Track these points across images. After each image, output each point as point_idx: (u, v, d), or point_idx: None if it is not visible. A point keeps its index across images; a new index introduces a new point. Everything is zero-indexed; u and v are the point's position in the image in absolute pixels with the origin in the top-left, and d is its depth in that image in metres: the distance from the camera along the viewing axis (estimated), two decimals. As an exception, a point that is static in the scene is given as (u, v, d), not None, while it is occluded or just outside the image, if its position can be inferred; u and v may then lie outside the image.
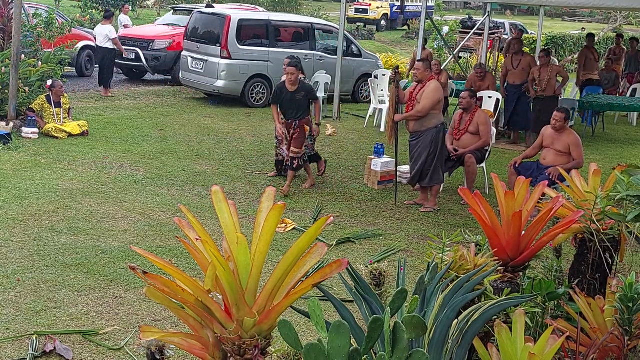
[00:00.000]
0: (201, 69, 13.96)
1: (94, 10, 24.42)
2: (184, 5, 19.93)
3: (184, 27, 16.04)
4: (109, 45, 13.82)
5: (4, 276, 5.60)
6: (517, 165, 8.01)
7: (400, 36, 32.44)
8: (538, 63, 12.02)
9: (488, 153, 8.86)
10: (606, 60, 16.72)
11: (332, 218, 2.76)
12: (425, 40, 15.14)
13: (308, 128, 8.65)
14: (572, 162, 7.61)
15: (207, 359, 2.69)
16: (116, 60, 15.46)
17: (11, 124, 10.25)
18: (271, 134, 11.73)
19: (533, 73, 11.82)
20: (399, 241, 7.03)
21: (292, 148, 8.48)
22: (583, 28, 30.52)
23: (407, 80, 13.50)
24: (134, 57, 15.76)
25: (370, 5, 34.55)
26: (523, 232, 3.94)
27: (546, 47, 15.26)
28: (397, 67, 8.43)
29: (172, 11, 18.95)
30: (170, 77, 16.19)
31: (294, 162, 8.47)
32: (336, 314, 3.11)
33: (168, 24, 17.17)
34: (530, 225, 3.96)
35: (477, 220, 3.96)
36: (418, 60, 8.42)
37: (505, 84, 12.60)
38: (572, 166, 7.43)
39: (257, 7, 20.59)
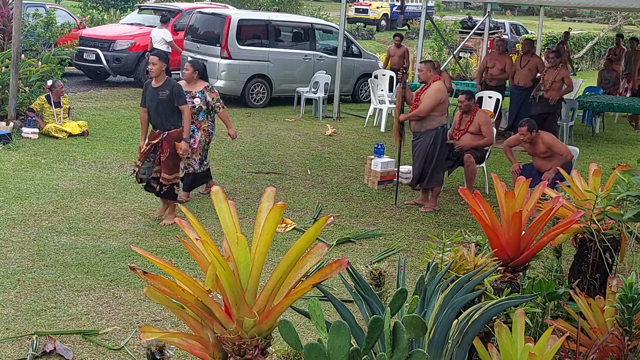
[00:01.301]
0: (201, 69, 13.95)
1: (93, 10, 24.42)
2: (150, 4, 19.07)
3: (150, 26, 15.66)
4: (164, 47, 14.02)
5: (4, 276, 5.60)
6: (520, 169, 7.94)
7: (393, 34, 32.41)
8: (546, 64, 11.95)
9: (488, 153, 8.86)
10: (606, 60, 16.73)
11: (332, 218, 2.76)
12: (400, 37, 15.13)
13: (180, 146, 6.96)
14: (560, 160, 7.58)
15: (207, 359, 2.69)
16: (76, 62, 15.36)
17: (11, 124, 10.25)
18: (271, 133, 11.77)
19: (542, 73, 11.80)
20: (399, 241, 7.03)
21: (162, 174, 6.85)
22: (570, 28, 30.57)
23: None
24: (94, 58, 15.14)
25: (370, 5, 34.56)
26: (523, 232, 3.94)
27: (555, 49, 15.26)
28: (405, 68, 8.42)
29: (138, 10, 18.05)
30: (132, 79, 15.49)
31: (163, 187, 6.91)
32: (336, 314, 3.11)
33: (132, 24, 16.45)
34: (530, 225, 3.96)
35: (477, 220, 3.96)
36: (421, 62, 8.41)
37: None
38: (562, 163, 7.42)
39: (227, 5, 20.14)
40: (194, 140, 7.66)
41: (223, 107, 7.86)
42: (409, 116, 7.91)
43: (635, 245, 5.09)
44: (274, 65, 14.09)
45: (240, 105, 13.89)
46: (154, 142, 6.85)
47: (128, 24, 16.71)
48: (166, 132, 6.85)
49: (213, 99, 7.73)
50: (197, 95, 7.64)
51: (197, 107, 7.61)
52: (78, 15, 21.15)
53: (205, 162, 7.88)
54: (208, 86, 7.79)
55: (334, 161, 10.18)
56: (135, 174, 7.07)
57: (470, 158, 8.28)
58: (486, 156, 8.77)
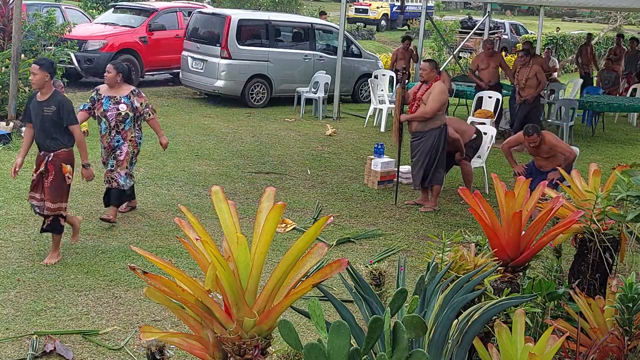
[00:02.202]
0: (201, 69, 13.97)
1: (94, 10, 24.39)
2: (125, 3, 18.60)
3: (124, 25, 15.48)
4: None
5: (4, 276, 5.60)
6: (518, 173, 7.90)
7: (400, 36, 32.41)
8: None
9: (487, 151, 8.85)
10: (606, 60, 16.73)
11: (332, 218, 2.76)
12: (410, 40, 15.11)
13: (69, 169, 5.97)
14: (564, 160, 7.56)
15: (207, 359, 2.69)
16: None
17: (11, 124, 10.25)
18: (271, 133, 11.76)
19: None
20: (399, 241, 7.03)
21: (46, 203, 5.87)
22: (558, 28, 30.65)
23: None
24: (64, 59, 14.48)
25: (370, 5, 34.54)
26: (523, 232, 3.94)
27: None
28: (405, 68, 8.41)
29: (113, 9, 17.30)
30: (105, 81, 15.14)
31: (58, 221, 5.94)
32: (336, 314, 3.11)
33: (106, 23, 15.97)
34: (530, 225, 3.96)
35: (477, 220, 3.97)
36: (424, 60, 8.41)
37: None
38: (566, 161, 7.40)
39: (204, 4, 19.86)
40: (120, 152, 6.94)
41: (154, 113, 7.10)
42: (412, 117, 7.89)
43: (635, 245, 5.09)
44: (274, 65, 14.09)
45: (240, 105, 13.89)
46: (40, 170, 5.90)
47: (102, 23, 16.25)
48: (52, 154, 5.89)
49: (142, 104, 6.94)
50: (122, 101, 6.88)
51: (123, 114, 6.86)
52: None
53: (131, 178, 7.11)
54: (135, 90, 6.97)
55: (334, 161, 10.18)
56: (33, 208, 6.09)
57: (463, 161, 8.30)
58: (479, 149, 8.67)
